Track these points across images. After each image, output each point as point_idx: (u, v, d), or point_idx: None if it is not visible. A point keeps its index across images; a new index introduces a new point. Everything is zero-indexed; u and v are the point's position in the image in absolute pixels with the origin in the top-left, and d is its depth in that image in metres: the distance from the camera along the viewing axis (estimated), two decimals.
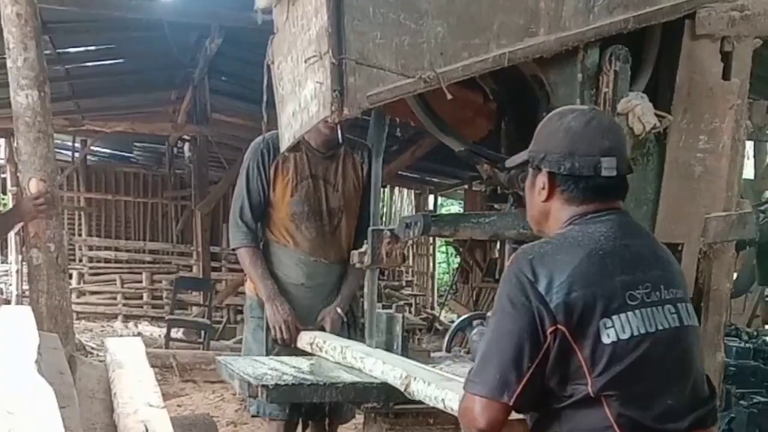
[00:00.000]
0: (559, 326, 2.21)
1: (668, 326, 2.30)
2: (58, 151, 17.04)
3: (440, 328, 14.79)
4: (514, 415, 2.35)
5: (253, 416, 4.68)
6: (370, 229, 3.74)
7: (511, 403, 2.23)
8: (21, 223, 5.02)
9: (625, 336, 2.22)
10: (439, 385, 2.90)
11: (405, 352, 3.64)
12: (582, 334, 2.21)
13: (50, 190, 4.89)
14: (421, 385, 2.99)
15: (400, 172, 15.02)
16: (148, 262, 17.02)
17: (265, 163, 4.47)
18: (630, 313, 2.25)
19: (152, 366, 3.46)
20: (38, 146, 4.84)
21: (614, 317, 2.23)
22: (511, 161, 2.78)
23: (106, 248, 16.77)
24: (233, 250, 4.65)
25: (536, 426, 2.38)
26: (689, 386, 2.34)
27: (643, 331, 2.25)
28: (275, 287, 4.46)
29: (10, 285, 15.39)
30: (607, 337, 2.21)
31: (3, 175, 15.58)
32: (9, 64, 4.86)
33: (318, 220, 4.49)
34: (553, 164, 2.40)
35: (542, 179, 2.46)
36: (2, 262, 16.47)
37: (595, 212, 2.40)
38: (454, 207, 22.94)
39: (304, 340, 4.17)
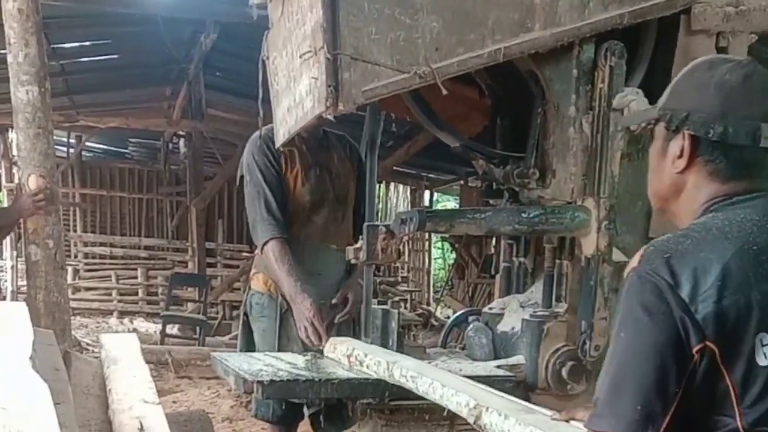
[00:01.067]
0: (708, 343, 1.69)
1: None
2: None
3: (436, 324, 14.80)
4: None
5: (254, 416, 4.62)
6: (365, 224, 3.73)
7: None
8: (20, 220, 5.01)
9: None
10: (520, 419, 2.34)
11: (400, 348, 3.64)
12: (733, 353, 1.70)
13: (50, 187, 4.88)
14: (496, 417, 2.43)
15: (395, 168, 15.02)
16: (143, 258, 17.02)
17: (274, 155, 4.39)
18: None
19: (147, 362, 3.46)
20: (38, 142, 4.82)
21: None
22: (633, 119, 2.36)
23: (101, 244, 16.77)
24: (262, 246, 4.39)
25: None
26: None
27: None
28: (299, 284, 4.23)
29: (6, 281, 15.36)
30: (764, 358, 1.71)
31: None
32: (9, 59, 4.84)
33: (328, 208, 4.48)
34: (699, 127, 1.85)
35: (680, 144, 1.90)
36: None
37: (743, 193, 1.87)
38: (449, 203, 22.95)
39: (339, 350, 3.63)
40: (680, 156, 1.91)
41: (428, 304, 18.77)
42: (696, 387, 1.72)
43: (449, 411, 3.09)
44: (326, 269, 4.51)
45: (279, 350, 4.23)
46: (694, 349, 1.69)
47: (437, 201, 22.20)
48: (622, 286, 1.84)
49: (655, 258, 1.77)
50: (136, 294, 16.83)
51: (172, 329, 12.12)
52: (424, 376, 2.92)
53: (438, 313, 17.07)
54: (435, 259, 22.56)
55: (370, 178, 3.89)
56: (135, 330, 12.90)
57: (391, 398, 3.31)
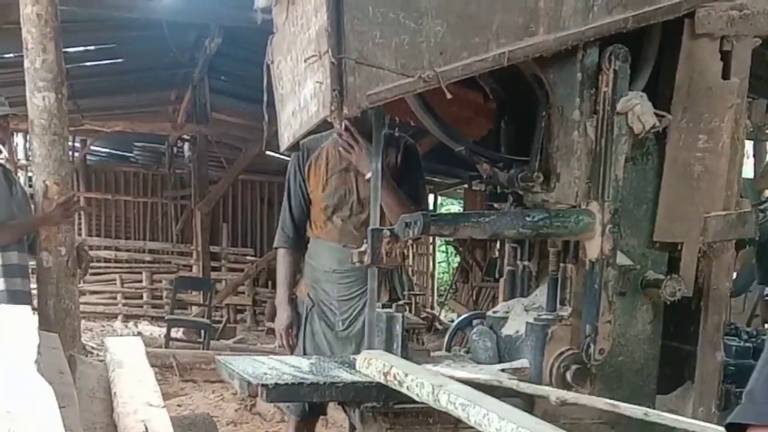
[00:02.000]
0: None
1: None
2: None
3: (440, 327, 14.79)
4: None
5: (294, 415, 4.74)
6: (369, 228, 3.74)
7: None
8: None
9: None
10: None
11: (405, 352, 3.64)
12: None
13: (73, 195, 4.87)
14: None
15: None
16: (148, 262, 17.04)
17: (301, 166, 4.82)
18: None
19: (152, 366, 3.46)
20: (53, 149, 4.80)
21: None
22: None
23: (106, 248, 16.79)
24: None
25: None
26: None
27: None
28: (287, 294, 4.84)
29: None
30: None
31: None
32: (26, 64, 4.81)
33: (348, 210, 4.73)
34: None
35: None
36: None
37: None
38: (454, 206, 22.95)
39: (374, 367, 3.40)
40: None
41: (432, 307, 18.77)
42: None
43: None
44: (341, 267, 4.73)
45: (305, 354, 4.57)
46: None
47: (441, 204, 22.20)
48: None
49: None
50: (141, 297, 16.85)
51: (177, 333, 12.14)
52: (477, 405, 2.68)
53: (442, 317, 17.07)
54: (439, 262, 22.56)
55: (374, 182, 3.89)
56: (140, 333, 12.91)
57: (395, 402, 3.32)
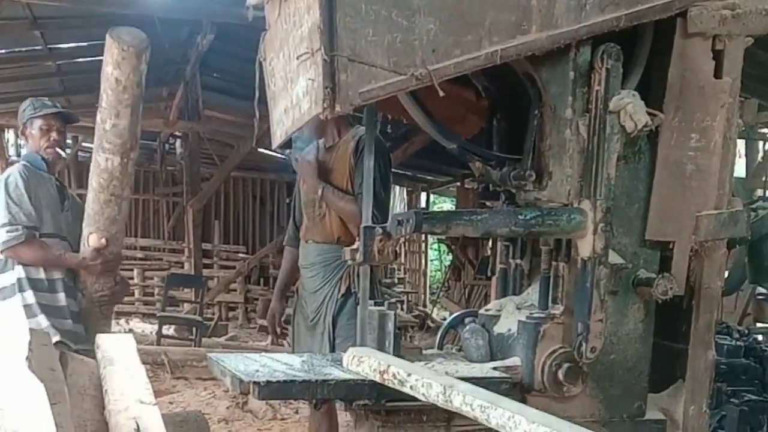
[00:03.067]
0: None
1: None
2: None
3: (432, 325, 14.79)
4: None
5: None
6: (361, 226, 3.74)
7: None
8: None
9: None
10: None
11: (397, 350, 3.64)
12: None
13: (114, 251, 4.75)
14: None
15: (392, 170, 15.00)
16: (140, 259, 17.01)
17: None
18: None
19: (144, 363, 3.45)
20: (107, 208, 4.63)
21: None
22: None
23: None
24: None
25: None
26: None
27: None
28: (279, 288, 5.34)
29: None
30: None
31: None
32: (97, 120, 4.64)
33: (311, 207, 4.91)
34: None
35: None
36: None
37: None
38: (446, 204, 22.96)
39: (367, 365, 3.32)
40: None
41: (425, 305, 18.77)
42: None
43: (446, 411, 3.11)
44: (305, 262, 4.99)
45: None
46: None
47: (434, 203, 22.21)
48: None
49: None
50: (133, 294, 16.81)
51: (169, 330, 12.13)
52: (498, 407, 2.64)
53: (434, 315, 17.08)
54: (431, 260, 22.57)
55: (366, 180, 3.89)
56: (131, 330, 12.89)
57: (387, 399, 3.32)
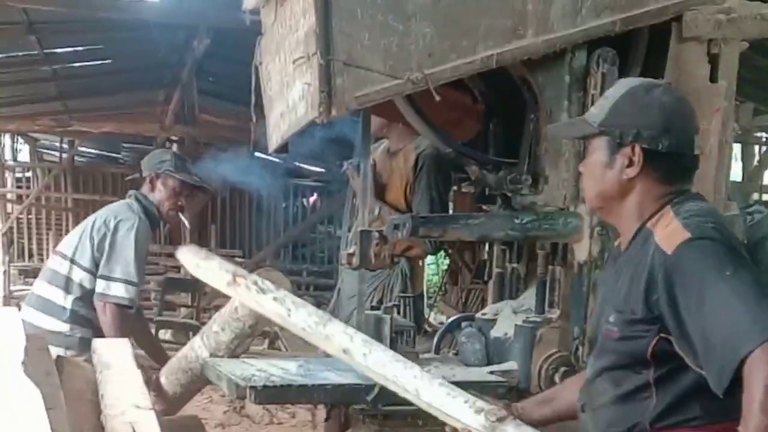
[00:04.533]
0: None
1: None
2: (45, 151, 17.07)
3: (429, 329, 14.76)
4: None
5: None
6: (357, 230, 3.74)
7: None
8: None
9: None
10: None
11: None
12: None
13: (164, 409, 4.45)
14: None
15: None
16: None
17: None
18: None
19: (140, 367, 3.45)
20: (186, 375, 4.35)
21: None
22: (568, 132, 2.72)
23: None
24: None
25: None
26: None
27: None
28: None
29: None
30: None
31: None
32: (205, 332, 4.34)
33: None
34: (649, 141, 2.30)
35: (628, 155, 2.33)
36: None
37: (685, 192, 2.36)
38: None
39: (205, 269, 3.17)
40: (629, 165, 2.32)
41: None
42: None
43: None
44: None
45: None
46: None
47: None
48: (685, 253, 2.16)
49: (714, 227, 2.18)
50: None
51: (165, 334, 12.08)
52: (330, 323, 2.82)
53: (431, 319, 17.04)
54: (428, 264, 22.55)
55: (363, 185, 3.89)
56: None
57: (384, 404, 3.32)
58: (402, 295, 4.43)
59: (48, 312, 4.59)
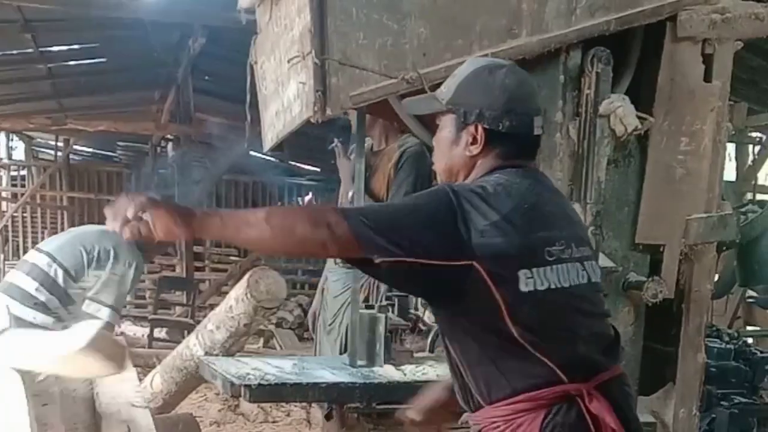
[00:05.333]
0: (475, 263, 2.18)
1: (576, 282, 2.31)
2: (40, 150, 17.05)
3: (424, 328, 14.77)
4: None
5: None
6: None
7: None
8: None
9: (542, 288, 2.23)
10: None
11: (388, 353, 3.65)
12: (501, 280, 2.20)
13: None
14: None
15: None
16: None
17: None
18: (548, 267, 2.26)
19: (135, 366, 3.45)
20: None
21: (534, 270, 2.23)
22: (415, 106, 2.75)
23: None
24: None
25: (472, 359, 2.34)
26: (598, 334, 2.39)
27: (557, 285, 2.26)
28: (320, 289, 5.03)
29: None
30: (525, 287, 2.21)
31: None
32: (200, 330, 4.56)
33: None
34: (491, 121, 2.36)
35: (472, 134, 2.39)
36: None
37: (521, 167, 2.40)
38: None
39: None
40: (473, 143, 2.38)
41: (416, 308, 18.75)
42: (469, 296, 2.21)
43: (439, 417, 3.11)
44: (330, 265, 4.85)
45: None
46: (461, 262, 2.17)
47: None
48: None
49: (465, 190, 2.25)
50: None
51: (160, 333, 12.08)
52: None
53: (426, 318, 17.06)
54: None
55: (358, 183, 3.90)
56: (123, 333, 12.85)
57: (378, 402, 3.32)
58: (390, 294, 4.41)
59: (20, 300, 4.75)
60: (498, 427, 2.31)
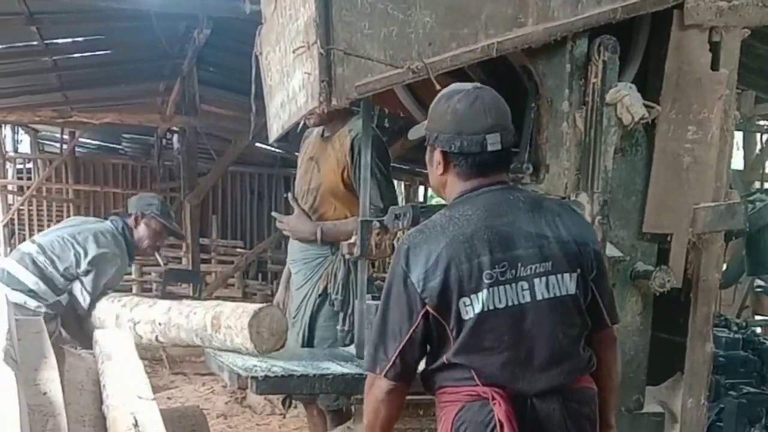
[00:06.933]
0: (429, 308, 2.55)
1: (516, 302, 2.55)
2: (46, 142, 17.06)
3: None
4: None
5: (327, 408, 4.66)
6: (359, 219, 3.74)
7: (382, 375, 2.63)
8: None
9: (478, 310, 2.52)
10: None
11: None
12: (447, 312, 2.54)
13: None
14: None
15: (390, 162, 14.99)
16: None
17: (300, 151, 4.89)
18: (484, 291, 2.52)
19: (142, 358, 3.44)
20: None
21: (472, 296, 2.52)
22: (413, 133, 3.01)
23: None
24: None
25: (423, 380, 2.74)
26: (540, 355, 2.58)
27: (491, 307, 2.52)
28: (285, 279, 5.09)
29: None
30: (466, 314, 2.53)
31: None
32: None
33: (302, 199, 4.65)
34: (445, 143, 2.64)
35: (437, 156, 2.68)
36: None
37: (478, 188, 2.65)
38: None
39: None
40: (439, 164, 2.69)
41: None
42: (432, 335, 2.60)
43: None
44: (291, 258, 4.80)
45: None
46: (420, 313, 2.56)
47: (431, 196, 22.18)
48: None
49: (401, 251, 2.62)
50: (130, 290, 16.76)
51: None
52: None
53: None
54: None
55: (365, 174, 3.89)
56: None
57: None
58: (345, 281, 4.42)
59: (15, 288, 5.03)
60: (437, 412, 2.73)
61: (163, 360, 9.33)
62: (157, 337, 3.95)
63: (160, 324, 3.93)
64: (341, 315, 4.43)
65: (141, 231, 5.38)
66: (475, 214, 2.59)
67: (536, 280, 2.56)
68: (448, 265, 2.52)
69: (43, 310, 5.00)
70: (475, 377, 2.56)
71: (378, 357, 2.63)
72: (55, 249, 5.14)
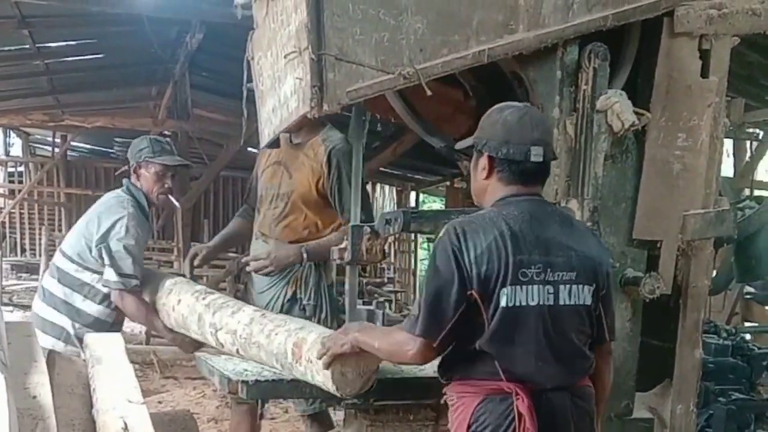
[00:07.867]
0: (474, 291, 2.69)
1: (543, 303, 2.73)
2: (38, 146, 17.05)
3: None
4: None
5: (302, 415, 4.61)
6: (350, 225, 3.74)
7: (435, 344, 2.76)
8: None
9: (511, 304, 2.70)
10: None
11: None
12: (488, 299, 2.70)
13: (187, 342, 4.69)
14: None
15: (381, 169, 15.01)
16: None
17: (262, 154, 4.74)
18: (521, 286, 2.71)
19: (132, 362, 3.44)
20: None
21: (510, 288, 2.69)
22: (461, 144, 3.06)
23: None
24: None
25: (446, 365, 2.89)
26: (557, 352, 2.77)
27: (524, 303, 2.71)
28: (217, 240, 5.30)
29: None
30: (504, 303, 2.69)
31: None
32: None
33: (270, 203, 4.56)
34: (492, 149, 2.80)
35: (483, 161, 2.85)
36: None
37: (518, 194, 2.83)
38: (436, 204, 22.96)
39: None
40: (484, 168, 2.86)
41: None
42: (468, 318, 2.72)
43: (434, 410, 3.13)
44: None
45: None
46: (467, 293, 2.70)
47: (423, 202, 22.21)
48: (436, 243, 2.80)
49: (453, 233, 2.74)
50: None
51: None
52: None
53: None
54: (421, 260, 22.56)
55: (356, 179, 3.89)
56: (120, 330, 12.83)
57: (376, 399, 3.32)
58: (317, 287, 4.41)
59: (55, 307, 4.69)
60: (452, 401, 2.86)
61: (154, 364, 9.31)
62: (237, 350, 3.73)
63: (241, 337, 3.71)
64: (314, 320, 4.39)
65: (144, 182, 4.90)
66: (521, 216, 2.77)
67: (561, 287, 2.77)
68: (496, 256, 2.69)
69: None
70: (500, 371, 2.72)
71: (430, 326, 2.73)
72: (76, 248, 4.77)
